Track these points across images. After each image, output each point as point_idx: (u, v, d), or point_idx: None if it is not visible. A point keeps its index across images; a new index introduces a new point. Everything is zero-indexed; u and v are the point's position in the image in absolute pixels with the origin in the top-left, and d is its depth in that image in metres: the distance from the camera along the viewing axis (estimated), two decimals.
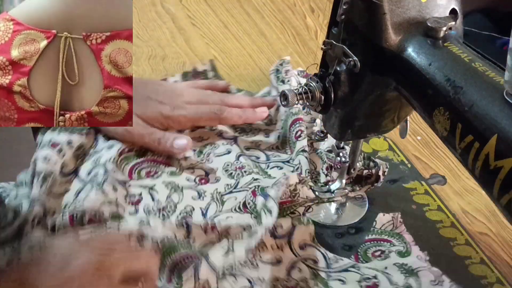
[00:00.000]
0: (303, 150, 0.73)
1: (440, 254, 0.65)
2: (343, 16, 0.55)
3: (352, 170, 0.68)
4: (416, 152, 0.80)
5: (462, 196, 0.74)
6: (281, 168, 0.74)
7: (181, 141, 0.72)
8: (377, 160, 0.72)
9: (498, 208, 0.45)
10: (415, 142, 0.82)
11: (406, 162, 0.77)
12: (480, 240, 0.68)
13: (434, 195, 0.73)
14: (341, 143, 0.68)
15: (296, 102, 0.61)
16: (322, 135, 0.68)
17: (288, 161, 0.74)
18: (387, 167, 0.72)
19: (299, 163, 0.72)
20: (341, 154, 0.67)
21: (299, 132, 0.74)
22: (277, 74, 0.85)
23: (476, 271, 0.64)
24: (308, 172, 0.71)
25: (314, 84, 0.60)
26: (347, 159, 0.67)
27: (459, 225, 0.69)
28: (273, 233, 0.65)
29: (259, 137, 0.79)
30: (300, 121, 0.75)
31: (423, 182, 0.75)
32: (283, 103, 0.62)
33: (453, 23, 0.52)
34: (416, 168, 0.77)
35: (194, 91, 0.78)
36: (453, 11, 0.54)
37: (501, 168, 0.43)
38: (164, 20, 1.02)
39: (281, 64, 0.86)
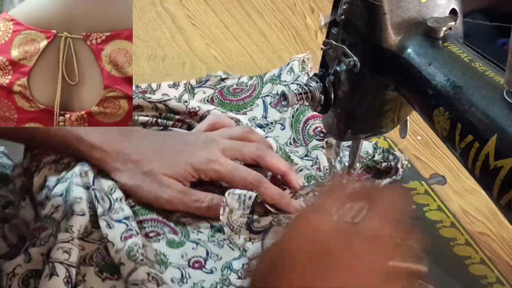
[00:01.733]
0: (322, 147, 0.73)
1: (440, 254, 0.65)
2: (343, 16, 0.55)
3: (352, 170, 0.68)
4: (416, 152, 0.80)
5: (462, 196, 0.74)
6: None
7: None
8: (396, 153, 0.73)
9: (498, 208, 0.45)
10: (415, 142, 0.82)
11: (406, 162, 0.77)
12: (480, 240, 0.68)
13: (434, 195, 0.73)
14: (335, 161, 0.69)
15: (296, 102, 0.61)
16: (322, 135, 0.68)
17: (306, 155, 0.75)
18: (406, 159, 0.72)
19: (317, 158, 0.72)
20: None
21: (319, 129, 0.73)
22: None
23: (476, 271, 0.64)
24: (326, 169, 0.71)
25: (314, 84, 0.60)
26: (348, 162, 0.68)
27: (459, 225, 0.69)
28: (249, 226, 0.64)
29: (276, 132, 0.79)
30: (316, 118, 0.75)
31: (423, 182, 0.75)
32: (283, 103, 0.62)
33: (453, 23, 0.52)
34: (416, 168, 0.77)
35: (227, 141, 0.70)
36: (453, 11, 0.54)
37: (501, 168, 0.43)
38: (164, 20, 1.02)
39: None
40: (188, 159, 0.67)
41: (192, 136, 0.73)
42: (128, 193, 0.67)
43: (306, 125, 0.76)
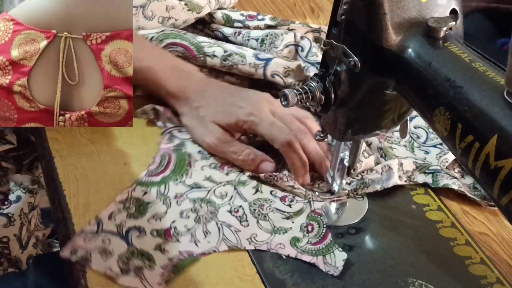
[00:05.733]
0: None
1: (440, 254, 0.65)
2: (343, 16, 0.55)
3: (352, 170, 0.68)
4: None
5: (462, 196, 0.74)
6: None
7: (267, 167, 0.71)
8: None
9: (498, 208, 0.45)
10: None
11: None
12: (480, 240, 0.68)
13: (434, 195, 0.73)
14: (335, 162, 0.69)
15: (296, 102, 0.61)
16: (322, 135, 0.68)
17: None
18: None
19: None
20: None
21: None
22: None
23: (476, 271, 0.64)
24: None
25: (314, 84, 0.60)
26: (348, 162, 0.67)
27: (459, 225, 0.69)
28: None
29: None
30: None
31: None
32: (283, 103, 0.62)
33: (453, 23, 0.52)
34: None
35: (277, 108, 0.74)
36: (453, 11, 0.54)
37: (501, 168, 0.43)
38: None
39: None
40: (237, 111, 0.72)
41: (251, 93, 0.77)
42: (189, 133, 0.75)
43: None
